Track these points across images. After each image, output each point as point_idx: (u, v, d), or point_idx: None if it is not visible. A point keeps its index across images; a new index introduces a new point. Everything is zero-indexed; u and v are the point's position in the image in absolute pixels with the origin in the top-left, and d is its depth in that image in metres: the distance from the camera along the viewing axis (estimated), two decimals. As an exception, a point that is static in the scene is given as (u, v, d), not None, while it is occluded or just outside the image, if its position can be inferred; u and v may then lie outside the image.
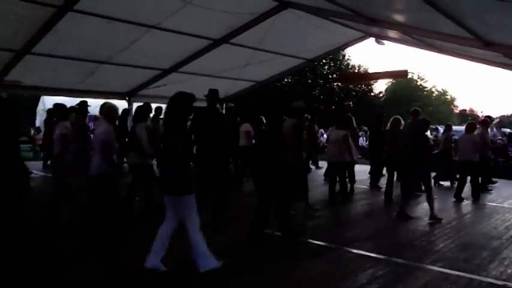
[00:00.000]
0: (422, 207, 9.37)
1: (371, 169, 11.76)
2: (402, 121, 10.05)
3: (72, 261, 5.27)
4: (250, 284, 4.80)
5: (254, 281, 4.86)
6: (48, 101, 14.49)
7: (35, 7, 7.80)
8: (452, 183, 11.83)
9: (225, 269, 4.96)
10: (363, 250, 6.03)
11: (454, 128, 15.12)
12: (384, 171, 11.00)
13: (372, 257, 5.79)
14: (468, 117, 33.64)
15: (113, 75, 11.69)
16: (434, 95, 42.22)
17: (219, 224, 6.66)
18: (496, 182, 12.22)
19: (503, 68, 10.45)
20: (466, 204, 9.72)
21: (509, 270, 5.32)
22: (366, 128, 20.36)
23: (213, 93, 7.33)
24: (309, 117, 11.18)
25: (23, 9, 7.82)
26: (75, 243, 5.88)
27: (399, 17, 8.88)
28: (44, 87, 11.79)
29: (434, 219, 7.82)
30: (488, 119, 12.06)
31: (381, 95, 38.49)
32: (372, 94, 35.75)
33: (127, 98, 13.35)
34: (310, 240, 6.49)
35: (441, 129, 14.68)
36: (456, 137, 12.17)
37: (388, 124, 10.20)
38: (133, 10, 8.68)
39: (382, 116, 11.72)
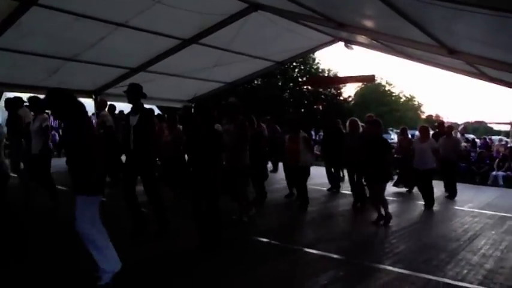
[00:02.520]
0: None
1: (330, 172, 11.51)
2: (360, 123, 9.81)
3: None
4: (213, 284, 4.79)
5: (214, 284, 4.84)
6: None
7: (-3, 1, 7.59)
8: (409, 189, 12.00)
9: (183, 273, 4.95)
10: (324, 251, 6.08)
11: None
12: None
13: (333, 258, 5.87)
14: (434, 123, 34.36)
15: (79, 73, 11.46)
16: (402, 100, 43.04)
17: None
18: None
19: (467, 75, 10.72)
20: (428, 208, 9.92)
21: (464, 271, 5.47)
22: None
23: (133, 88, 6.49)
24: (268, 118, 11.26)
25: (-15, 3, 7.61)
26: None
27: (368, 23, 9.01)
28: (6, 83, 11.43)
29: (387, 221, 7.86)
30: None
31: (350, 99, 38.98)
32: (341, 98, 36.12)
33: (93, 96, 13.12)
34: (271, 242, 6.52)
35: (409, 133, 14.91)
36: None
37: (347, 127, 9.95)
38: (101, 7, 8.53)
39: (338, 120, 11.75)
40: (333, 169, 11.45)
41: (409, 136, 13.07)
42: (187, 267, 5.22)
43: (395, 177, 11.84)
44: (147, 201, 6.54)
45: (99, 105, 11.57)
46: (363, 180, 8.36)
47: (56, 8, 8.15)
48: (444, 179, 11.63)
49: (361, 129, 9.75)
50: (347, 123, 9.91)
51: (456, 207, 10.05)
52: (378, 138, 7.87)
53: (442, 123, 13.52)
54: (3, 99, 13.85)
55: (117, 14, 8.95)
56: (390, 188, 11.06)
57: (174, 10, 8.60)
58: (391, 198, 10.45)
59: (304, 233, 7.40)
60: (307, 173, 9.01)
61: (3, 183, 5.34)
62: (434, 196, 9.96)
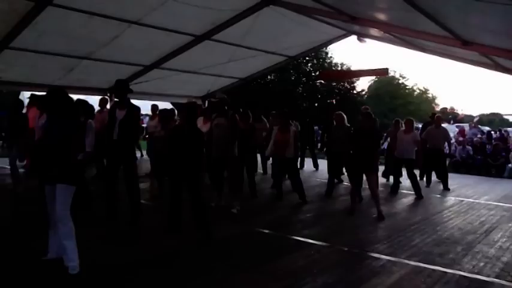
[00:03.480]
0: (400, 203, 9.54)
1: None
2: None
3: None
4: (226, 280, 4.80)
5: (229, 277, 4.87)
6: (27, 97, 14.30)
7: (13, 1, 7.71)
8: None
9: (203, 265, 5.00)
10: (339, 245, 6.09)
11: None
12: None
13: (348, 251, 5.88)
14: (449, 115, 34.07)
15: (93, 71, 11.59)
16: (415, 93, 42.62)
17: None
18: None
19: (482, 67, 10.63)
20: (443, 200, 9.90)
21: (481, 264, 5.46)
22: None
23: (120, 84, 6.88)
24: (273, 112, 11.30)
25: (0, 3, 7.72)
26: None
27: (381, 16, 8.97)
28: (23, 82, 11.61)
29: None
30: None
31: (363, 92, 38.72)
32: (355, 92, 35.88)
33: (108, 94, 13.24)
34: (284, 236, 6.56)
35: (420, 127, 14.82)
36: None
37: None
38: (114, 5, 8.63)
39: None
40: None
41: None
42: (199, 265, 5.22)
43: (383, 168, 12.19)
44: (128, 191, 6.79)
45: (101, 103, 11.72)
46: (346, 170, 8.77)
47: (71, 7, 8.27)
48: (434, 168, 11.83)
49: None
50: (333, 116, 9.88)
51: (472, 200, 9.99)
52: (370, 130, 7.99)
53: (434, 113, 13.49)
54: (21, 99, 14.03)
55: (130, 12, 9.03)
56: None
57: (186, 7, 8.65)
58: (405, 191, 10.43)
59: (312, 226, 7.38)
60: (296, 164, 9.30)
61: None
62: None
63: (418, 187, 10.16)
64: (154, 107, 12.29)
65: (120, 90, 6.76)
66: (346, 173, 9.63)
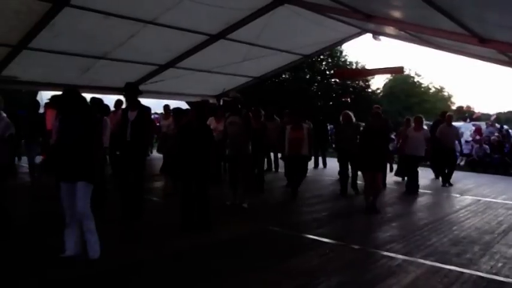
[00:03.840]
0: (416, 203, 9.47)
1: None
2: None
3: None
4: (239, 279, 4.81)
5: (243, 276, 4.87)
6: (46, 97, 14.46)
7: (31, 2, 7.82)
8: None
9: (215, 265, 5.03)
10: (355, 244, 6.07)
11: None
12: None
13: (363, 250, 5.86)
14: (465, 114, 33.67)
15: (109, 71, 11.69)
16: (431, 91, 42.24)
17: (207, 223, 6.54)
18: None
19: (499, 64, 10.50)
20: (460, 200, 9.79)
21: (499, 264, 5.39)
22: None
23: (130, 88, 7.12)
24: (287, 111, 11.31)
25: (20, 4, 7.85)
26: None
27: (396, 13, 8.92)
28: (40, 82, 11.77)
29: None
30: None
31: (378, 91, 38.49)
32: (370, 90, 35.70)
33: (124, 94, 13.34)
34: (299, 234, 6.55)
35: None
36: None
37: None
38: (130, 5, 8.71)
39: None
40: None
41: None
42: (212, 263, 5.22)
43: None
44: (132, 188, 6.92)
45: (116, 104, 11.80)
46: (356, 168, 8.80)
47: (87, 8, 8.37)
48: (443, 166, 11.69)
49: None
50: (340, 116, 9.87)
51: (489, 199, 9.87)
52: (379, 129, 8.05)
53: (445, 112, 13.30)
54: (38, 98, 14.23)
55: (145, 12, 9.10)
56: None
57: (201, 6, 8.68)
58: (421, 190, 10.35)
59: (328, 225, 7.36)
60: (307, 163, 9.31)
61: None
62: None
63: (416, 184, 10.24)
64: (166, 107, 12.40)
65: (130, 93, 6.98)
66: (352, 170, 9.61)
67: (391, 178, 11.43)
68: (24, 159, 10.05)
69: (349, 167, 9.66)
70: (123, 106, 11.42)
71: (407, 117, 12.24)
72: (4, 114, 5.86)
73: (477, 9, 6.45)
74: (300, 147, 8.87)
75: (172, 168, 8.88)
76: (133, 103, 6.94)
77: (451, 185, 11.47)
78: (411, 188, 10.28)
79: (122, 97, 12.73)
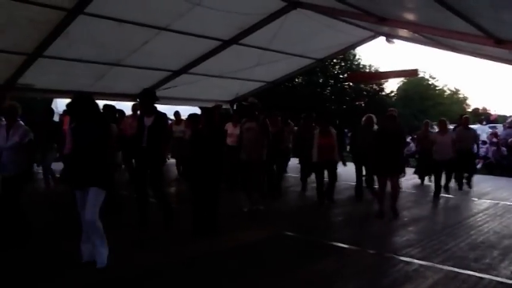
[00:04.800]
0: (433, 207, 9.36)
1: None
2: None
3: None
4: (256, 285, 4.79)
5: (259, 281, 4.85)
6: (60, 104, 14.62)
7: (46, 11, 7.92)
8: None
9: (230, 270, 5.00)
10: (371, 249, 6.01)
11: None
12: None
13: (380, 255, 5.80)
14: (481, 116, 33.25)
15: (123, 77, 11.78)
16: (446, 94, 41.89)
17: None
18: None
19: (516, 65, 10.37)
20: (478, 203, 9.65)
21: (520, 269, 5.29)
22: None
23: (147, 94, 7.09)
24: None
25: (35, 13, 7.94)
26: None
27: (410, 16, 8.84)
28: (55, 89, 11.89)
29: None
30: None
31: (392, 94, 38.26)
32: (384, 93, 35.49)
33: (138, 100, 13.41)
34: (315, 239, 6.51)
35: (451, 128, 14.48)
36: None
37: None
38: (143, 12, 8.77)
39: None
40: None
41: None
42: (228, 269, 5.21)
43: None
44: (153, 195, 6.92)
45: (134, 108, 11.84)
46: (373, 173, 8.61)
47: (101, 15, 8.46)
48: (462, 170, 11.37)
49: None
50: (363, 119, 9.74)
51: (508, 203, 9.69)
52: (394, 132, 7.91)
53: (462, 115, 13.13)
54: (53, 106, 14.40)
55: (158, 19, 9.17)
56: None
57: (213, 12, 8.72)
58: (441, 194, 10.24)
59: (344, 230, 7.33)
60: (336, 169, 9.06)
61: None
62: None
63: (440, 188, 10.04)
64: (177, 113, 12.47)
65: (147, 99, 6.89)
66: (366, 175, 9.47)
67: (408, 181, 11.26)
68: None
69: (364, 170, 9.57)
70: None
71: (426, 121, 12.12)
72: (21, 122, 5.94)
73: (493, 10, 6.36)
74: (330, 152, 8.67)
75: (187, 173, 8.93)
76: (150, 109, 6.86)
77: (470, 187, 11.24)
78: (437, 192, 10.05)
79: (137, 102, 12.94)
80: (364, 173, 9.62)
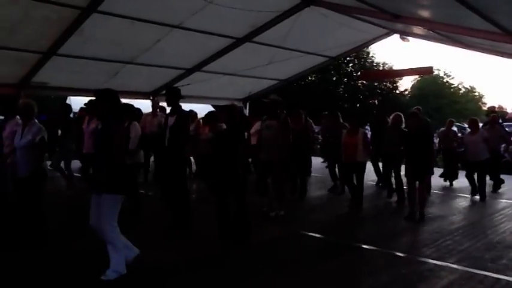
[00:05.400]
0: (448, 206, 9.26)
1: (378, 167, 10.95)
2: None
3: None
4: (274, 283, 4.77)
5: (277, 280, 4.83)
6: (74, 102, 14.74)
7: (61, 9, 7.96)
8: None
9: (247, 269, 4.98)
10: (384, 248, 5.96)
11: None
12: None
13: (395, 255, 5.74)
14: (497, 114, 32.80)
15: (137, 75, 11.82)
16: (461, 92, 41.43)
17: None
18: None
19: (534, 63, 10.21)
20: (494, 203, 9.53)
21: (538, 270, 5.19)
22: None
23: (172, 92, 6.96)
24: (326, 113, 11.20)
25: (50, 11, 8.00)
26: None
27: (424, 13, 8.75)
28: (69, 87, 11.97)
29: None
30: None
31: (406, 92, 37.99)
32: (398, 92, 35.25)
33: (151, 98, 13.47)
34: (331, 239, 6.47)
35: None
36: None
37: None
38: (156, 10, 8.77)
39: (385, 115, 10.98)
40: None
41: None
42: (246, 268, 5.20)
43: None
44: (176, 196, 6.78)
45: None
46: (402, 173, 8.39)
47: (114, 13, 8.48)
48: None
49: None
50: (391, 117, 9.58)
51: (525, 202, 9.56)
52: (418, 130, 7.72)
53: (491, 111, 12.85)
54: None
55: (172, 17, 9.17)
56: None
57: (226, 10, 8.69)
58: (456, 193, 10.11)
59: (359, 229, 7.30)
60: (364, 169, 8.71)
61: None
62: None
63: (483, 190, 9.72)
64: (190, 112, 12.44)
65: (172, 98, 6.77)
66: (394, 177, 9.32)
67: (434, 183, 11.05)
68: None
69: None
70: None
71: (450, 119, 11.92)
72: (36, 120, 5.92)
73: (510, 6, 6.25)
74: (354, 153, 8.37)
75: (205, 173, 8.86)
76: (175, 108, 6.75)
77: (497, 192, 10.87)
78: (482, 195, 9.73)
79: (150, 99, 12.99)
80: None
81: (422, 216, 7.69)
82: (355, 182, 8.55)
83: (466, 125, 15.02)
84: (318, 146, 14.15)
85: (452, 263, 5.37)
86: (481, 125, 11.12)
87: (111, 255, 4.62)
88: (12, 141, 5.76)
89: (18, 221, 5.59)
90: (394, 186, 9.30)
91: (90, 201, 4.72)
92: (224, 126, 7.00)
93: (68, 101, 15.61)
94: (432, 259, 5.51)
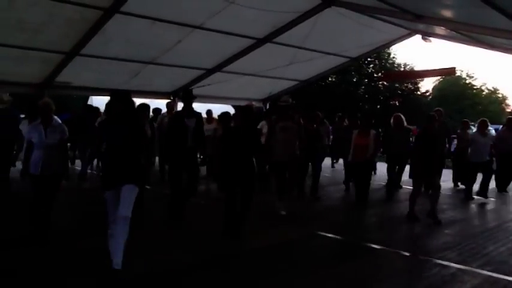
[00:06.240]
0: (471, 209, 9.12)
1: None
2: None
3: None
4: (289, 284, 4.74)
5: (292, 281, 4.81)
6: (96, 102, 14.93)
7: (84, 10, 8.09)
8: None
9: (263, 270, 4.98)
10: (406, 251, 5.88)
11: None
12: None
13: (415, 258, 5.66)
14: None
15: (158, 75, 11.93)
16: (484, 93, 40.79)
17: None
18: None
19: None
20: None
21: None
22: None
23: (189, 94, 7.16)
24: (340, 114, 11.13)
25: (73, 12, 8.12)
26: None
27: (447, 13, 8.64)
28: (91, 87, 12.15)
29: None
30: None
31: (427, 93, 37.53)
32: (419, 93, 34.86)
33: (171, 98, 13.57)
34: (348, 240, 6.42)
35: (491, 128, 13.93)
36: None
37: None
38: (177, 11, 8.85)
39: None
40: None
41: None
42: (261, 268, 5.18)
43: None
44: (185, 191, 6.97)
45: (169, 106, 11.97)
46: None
47: (136, 14, 8.58)
48: (504, 172, 10.67)
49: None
50: (391, 119, 9.59)
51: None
52: (434, 131, 7.72)
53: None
54: (89, 103, 14.73)
55: (192, 17, 9.23)
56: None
57: (247, 10, 8.72)
58: (477, 196, 9.94)
59: (377, 230, 7.20)
60: (372, 168, 8.90)
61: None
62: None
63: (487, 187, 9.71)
64: (209, 112, 12.51)
65: (190, 100, 6.98)
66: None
67: (447, 184, 10.92)
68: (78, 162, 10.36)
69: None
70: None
71: (465, 120, 11.74)
72: (59, 120, 6.02)
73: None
74: (364, 154, 8.46)
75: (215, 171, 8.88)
76: (191, 110, 6.99)
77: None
78: (468, 193, 9.77)
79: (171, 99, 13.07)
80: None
81: (435, 216, 7.52)
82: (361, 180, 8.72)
83: (491, 128, 14.59)
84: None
85: (475, 267, 5.26)
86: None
87: (121, 244, 4.62)
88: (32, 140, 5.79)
89: (33, 217, 5.70)
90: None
91: (104, 199, 4.81)
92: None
93: (89, 101, 15.82)
94: (454, 263, 5.41)
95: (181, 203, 6.94)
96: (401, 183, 10.43)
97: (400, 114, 9.45)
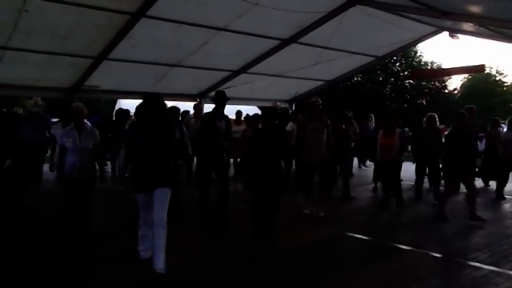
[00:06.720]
0: (502, 209, 8.92)
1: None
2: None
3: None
4: (318, 284, 4.73)
5: (321, 281, 4.80)
6: (124, 105, 15.16)
7: (111, 15, 8.24)
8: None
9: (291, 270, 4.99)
10: (436, 252, 5.77)
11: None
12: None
13: (445, 259, 5.56)
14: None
15: (183, 78, 12.04)
16: (514, 90, 39.85)
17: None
18: None
19: None
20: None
21: None
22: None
23: (222, 96, 7.12)
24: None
25: (101, 18, 8.28)
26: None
27: (475, 8, 8.47)
28: (119, 91, 12.35)
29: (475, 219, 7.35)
30: None
31: (456, 91, 36.86)
32: (447, 91, 34.28)
33: (198, 99, 13.67)
34: (380, 241, 6.35)
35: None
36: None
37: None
38: (202, 13, 8.92)
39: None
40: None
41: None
42: (289, 268, 5.18)
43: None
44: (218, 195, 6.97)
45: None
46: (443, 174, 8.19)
47: (162, 18, 8.68)
48: None
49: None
50: (424, 118, 9.33)
51: None
52: (466, 130, 7.59)
53: None
54: (117, 106, 14.96)
55: (217, 19, 9.29)
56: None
57: (272, 11, 8.73)
58: (509, 196, 9.73)
59: (406, 231, 7.09)
60: (400, 168, 8.73)
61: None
62: None
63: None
64: (238, 113, 12.52)
65: (223, 101, 7.00)
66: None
67: (477, 183, 10.65)
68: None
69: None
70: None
71: (495, 118, 11.48)
72: (89, 124, 6.13)
73: None
74: (390, 154, 8.42)
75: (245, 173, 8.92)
76: (222, 112, 7.03)
77: None
78: (499, 193, 9.65)
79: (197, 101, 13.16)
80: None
81: (474, 217, 7.38)
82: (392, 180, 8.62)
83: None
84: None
85: (509, 269, 5.14)
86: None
87: (162, 249, 4.70)
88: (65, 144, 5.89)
89: (71, 220, 5.83)
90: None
91: (135, 200, 4.95)
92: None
93: (117, 104, 16.05)
94: (487, 264, 5.30)
95: (224, 208, 6.92)
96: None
97: (434, 114, 9.18)
